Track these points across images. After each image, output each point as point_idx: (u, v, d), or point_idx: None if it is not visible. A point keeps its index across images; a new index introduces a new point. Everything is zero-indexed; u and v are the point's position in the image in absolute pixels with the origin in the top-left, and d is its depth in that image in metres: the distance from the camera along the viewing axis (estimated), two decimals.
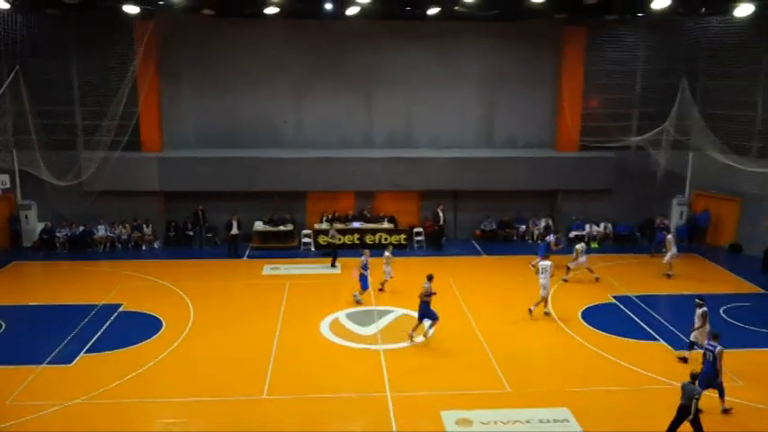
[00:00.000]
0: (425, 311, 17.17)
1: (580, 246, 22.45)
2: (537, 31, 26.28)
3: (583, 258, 22.12)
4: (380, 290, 20.90)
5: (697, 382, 12.60)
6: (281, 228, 26.11)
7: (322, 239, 25.14)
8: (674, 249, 22.45)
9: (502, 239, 26.99)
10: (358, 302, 19.80)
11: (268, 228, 26.10)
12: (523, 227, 27.33)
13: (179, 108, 26.41)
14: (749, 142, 24.70)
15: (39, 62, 24.10)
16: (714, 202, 26.46)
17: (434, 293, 17.25)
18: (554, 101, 27.24)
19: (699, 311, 16.07)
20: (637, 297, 20.59)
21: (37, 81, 24.14)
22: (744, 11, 20.88)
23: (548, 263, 18.92)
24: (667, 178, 25.80)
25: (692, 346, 16.11)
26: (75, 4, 21.67)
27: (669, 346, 17.11)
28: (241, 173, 25.40)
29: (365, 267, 20.06)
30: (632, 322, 18.76)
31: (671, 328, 18.24)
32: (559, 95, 26.90)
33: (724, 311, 19.48)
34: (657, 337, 17.70)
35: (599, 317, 19.01)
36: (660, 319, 18.94)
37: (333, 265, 23.51)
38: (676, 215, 27.06)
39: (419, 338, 17.30)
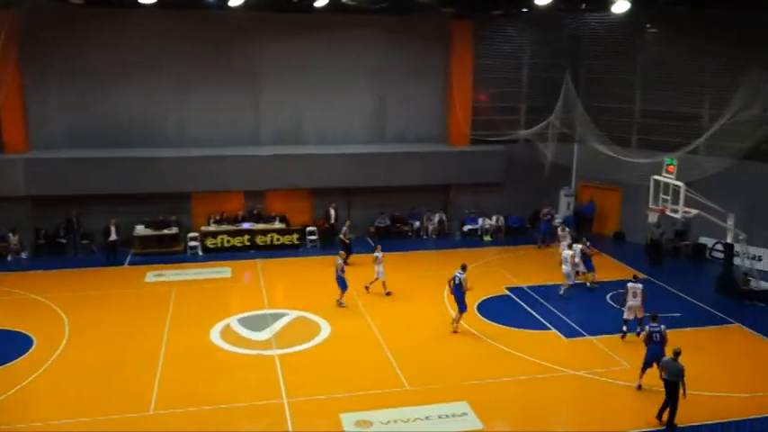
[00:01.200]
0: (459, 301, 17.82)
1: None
2: (426, 25, 26.81)
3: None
4: (366, 288, 20.75)
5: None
6: (165, 231, 25.23)
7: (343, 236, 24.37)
8: (568, 240, 23.51)
9: (396, 236, 27.34)
10: (341, 306, 19.48)
11: (150, 231, 25.14)
12: (417, 222, 27.80)
13: (47, 105, 24.89)
14: (629, 134, 26.40)
15: None
16: (598, 192, 28.06)
17: (470, 287, 17.96)
18: (445, 95, 27.91)
19: (639, 288, 17.49)
20: (529, 288, 21.48)
21: None
22: (620, 7, 22.23)
23: (569, 252, 20.65)
24: (555, 170, 27.05)
25: (626, 323, 17.46)
26: None
27: (560, 334, 17.97)
28: (120, 174, 24.31)
29: (342, 270, 19.75)
30: (525, 313, 19.56)
31: (562, 316, 19.16)
32: (450, 90, 27.60)
33: (610, 298, 20.69)
34: (549, 325, 18.55)
35: (494, 309, 19.69)
36: (551, 308, 19.85)
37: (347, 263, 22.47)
38: (564, 206, 28.48)
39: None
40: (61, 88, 24.95)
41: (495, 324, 18.62)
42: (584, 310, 19.80)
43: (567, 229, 24.29)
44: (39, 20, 23.60)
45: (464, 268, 18.02)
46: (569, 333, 18.04)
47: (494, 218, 27.83)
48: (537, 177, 27.37)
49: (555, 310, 19.63)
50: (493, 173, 27.61)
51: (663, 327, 14.78)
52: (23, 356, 16.31)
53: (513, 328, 18.36)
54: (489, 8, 24.88)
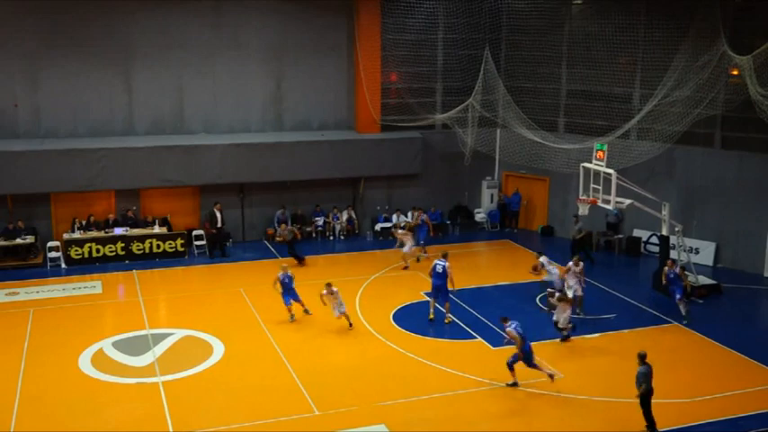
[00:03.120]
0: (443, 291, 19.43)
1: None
2: None
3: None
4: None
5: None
6: (18, 241, 24.13)
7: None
8: (411, 242, 24.10)
9: (301, 239, 27.19)
10: (292, 321, 19.63)
11: (1, 242, 24.00)
12: (322, 221, 27.72)
13: None
14: (556, 117, 27.34)
15: None
16: (525, 182, 28.94)
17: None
18: (351, 75, 28.00)
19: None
20: (450, 292, 21.71)
21: None
22: None
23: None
24: (476, 159, 27.69)
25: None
26: None
27: (487, 343, 18.37)
28: None
29: (285, 281, 19.59)
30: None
31: (487, 322, 19.59)
32: (356, 69, 27.69)
33: (540, 299, 21.32)
34: (474, 334, 18.93)
35: (412, 317, 19.92)
36: (476, 313, 20.27)
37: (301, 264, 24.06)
38: (487, 198, 29.17)
39: None
40: None
41: (413, 334, 18.85)
42: (513, 314, 20.13)
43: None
44: None
45: (445, 256, 19.64)
46: (497, 341, 18.44)
47: (410, 214, 28.10)
48: (456, 167, 27.92)
49: (480, 316, 20.04)
50: (407, 163, 27.95)
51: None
52: None
53: (433, 339, 18.63)
54: None
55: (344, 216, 27.98)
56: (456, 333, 19.01)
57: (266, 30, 26.93)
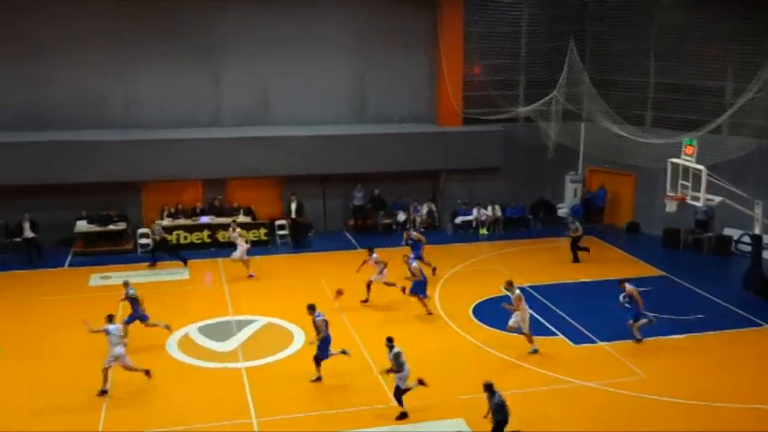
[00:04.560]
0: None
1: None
2: None
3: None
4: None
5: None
6: (111, 227, 25.01)
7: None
8: (244, 247, 22.74)
9: (380, 229, 27.32)
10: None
11: (94, 228, 24.92)
12: (403, 214, 27.77)
13: None
14: (643, 111, 26.57)
15: None
16: (610, 177, 28.27)
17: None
18: (433, 68, 27.89)
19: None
20: (532, 287, 21.54)
21: None
22: None
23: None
24: (559, 153, 27.17)
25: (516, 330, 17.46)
26: None
27: (567, 340, 18.09)
28: (56, 161, 24.05)
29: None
30: (529, 316, 19.60)
31: (569, 319, 19.29)
32: (438, 62, 27.56)
33: (624, 298, 20.80)
34: (555, 330, 18.67)
35: (492, 312, 19.67)
36: (557, 310, 19.97)
37: (185, 265, 23.54)
38: (570, 193, 28.64)
39: None
40: None
41: (494, 329, 18.67)
42: (596, 312, 19.91)
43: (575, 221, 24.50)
44: None
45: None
46: (578, 339, 18.16)
47: (490, 208, 27.90)
48: (539, 161, 27.48)
49: (562, 313, 19.75)
50: (489, 157, 27.68)
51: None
52: None
53: (513, 334, 18.40)
54: None
55: (425, 209, 27.94)
56: (536, 329, 18.71)
57: (349, 23, 27.11)
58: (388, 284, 20.41)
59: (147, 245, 24.83)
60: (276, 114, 27.21)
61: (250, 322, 19.09)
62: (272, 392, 15.52)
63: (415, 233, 23.09)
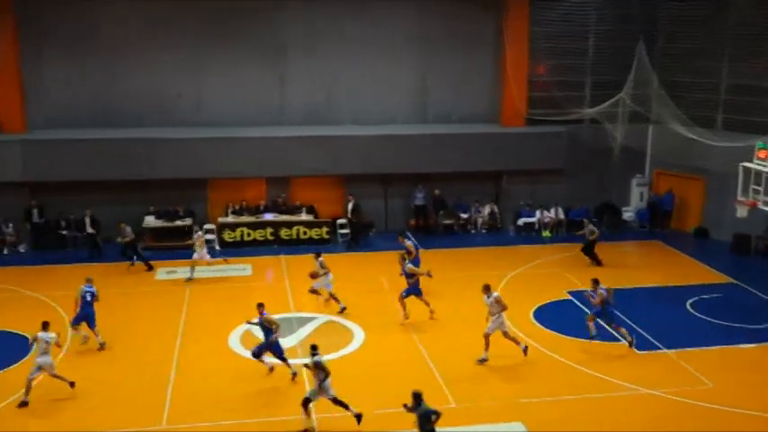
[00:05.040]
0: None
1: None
2: None
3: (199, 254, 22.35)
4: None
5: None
6: (177, 223, 25.51)
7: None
8: (203, 252, 22.52)
9: (443, 230, 27.20)
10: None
11: (161, 223, 25.45)
12: (465, 215, 27.62)
13: (45, 79, 25.36)
14: (714, 113, 25.80)
15: None
16: (677, 181, 27.56)
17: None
18: (497, 68, 27.64)
19: (490, 299, 16.79)
20: (595, 292, 21.10)
21: None
22: None
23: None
24: (625, 155, 26.64)
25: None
26: None
27: (633, 348, 17.68)
28: (127, 158, 24.64)
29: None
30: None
31: (633, 325, 18.84)
32: (502, 62, 27.31)
33: (691, 305, 20.29)
34: (619, 336, 18.25)
35: (554, 316, 19.48)
36: (621, 316, 19.49)
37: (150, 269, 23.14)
38: (636, 197, 28.05)
39: None
40: (62, 59, 25.38)
41: (555, 333, 18.43)
42: (662, 318, 19.42)
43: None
44: None
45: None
46: (643, 345, 17.74)
47: (553, 210, 27.50)
48: (604, 163, 26.99)
49: (626, 319, 19.30)
50: (552, 158, 27.28)
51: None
52: (22, 361, 16.63)
53: (576, 339, 18.12)
54: None
55: (487, 210, 27.71)
56: (600, 334, 18.39)
57: (413, 23, 27.07)
58: (312, 291, 19.96)
59: (212, 241, 25.25)
60: (339, 114, 27.35)
61: (311, 319, 19.23)
62: (333, 389, 15.56)
63: (408, 242, 21.38)
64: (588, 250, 23.73)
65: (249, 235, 25.57)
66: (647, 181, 28.22)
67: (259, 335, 18.04)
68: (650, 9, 26.26)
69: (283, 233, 25.61)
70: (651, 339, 18.06)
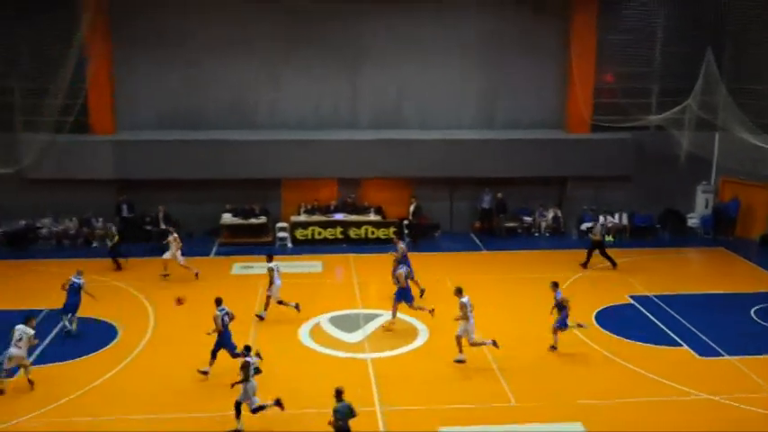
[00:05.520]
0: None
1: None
2: None
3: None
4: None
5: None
6: (253, 220, 26.07)
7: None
8: (177, 252, 22.04)
9: (506, 233, 27.07)
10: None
11: (237, 220, 26.06)
12: (529, 218, 27.43)
13: (135, 85, 26.24)
14: None
15: None
16: (744, 189, 26.75)
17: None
18: (563, 75, 27.37)
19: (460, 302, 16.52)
20: (657, 297, 20.80)
21: None
22: None
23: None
24: (691, 162, 26.03)
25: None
26: None
27: (693, 351, 17.34)
28: (207, 158, 25.31)
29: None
30: (652, 325, 18.96)
31: (695, 331, 18.47)
32: (569, 69, 27.01)
33: (755, 312, 19.72)
34: (680, 341, 17.93)
35: (615, 319, 19.20)
36: (683, 321, 19.15)
37: (118, 268, 23.05)
38: (701, 204, 27.38)
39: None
40: (149, 66, 26.22)
41: (616, 336, 18.17)
42: (724, 325, 18.94)
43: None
44: None
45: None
46: (704, 351, 17.36)
47: (617, 216, 27.06)
48: (670, 170, 26.40)
49: (688, 324, 18.92)
50: (618, 164, 26.84)
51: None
52: (109, 346, 17.36)
53: (636, 343, 17.84)
54: None
55: (550, 214, 27.46)
56: (661, 339, 18.08)
57: (483, 31, 27.00)
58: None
59: (285, 238, 25.72)
60: (409, 118, 27.50)
61: (377, 316, 19.40)
62: (396, 383, 15.72)
63: (401, 245, 21.27)
64: (600, 250, 23.21)
65: (320, 233, 25.95)
66: (713, 188, 27.51)
67: (332, 331, 18.43)
68: (719, 16, 25.53)
69: (352, 232, 25.91)
70: (713, 345, 17.65)
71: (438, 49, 26.94)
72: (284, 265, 23.36)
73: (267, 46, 26.46)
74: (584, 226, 26.95)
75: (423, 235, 26.24)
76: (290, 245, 25.76)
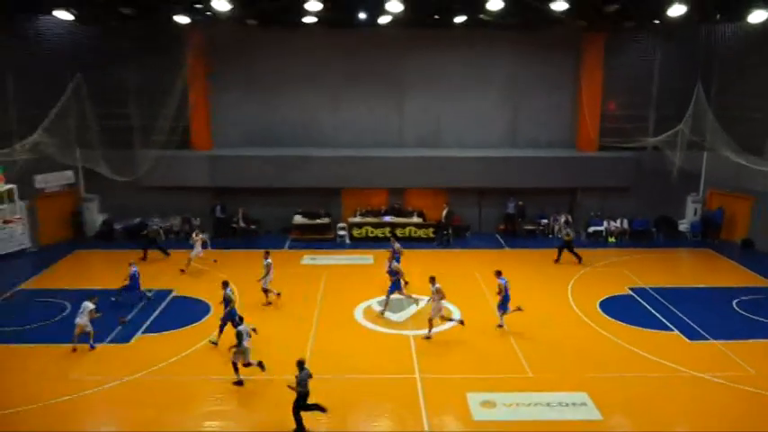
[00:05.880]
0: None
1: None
2: (558, 37, 25.93)
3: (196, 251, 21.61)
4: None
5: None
6: (318, 221, 26.25)
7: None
8: (198, 249, 21.58)
9: (525, 234, 26.67)
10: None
11: (306, 221, 26.27)
12: (545, 221, 27.01)
13: (226, 110, 26.65)
14: (762, 143, 24.03)
15: (100, 69, 24.40)
16: (728, 199, 25.85)
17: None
18: (574, 103, 26.87)
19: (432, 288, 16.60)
20: (652, 289, 20.24)
21: (99, 87, 24.44)
22: (757, 17, 20.34)
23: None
24: (683, 176, 25.27)
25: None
26: (132, 15, 22.08)
27: (683, 335, 16.82)
28: (283, 170, 25.50)
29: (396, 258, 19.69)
30: (648, 313, 18.46)
31: (684, 318, 17.93)
32: (579, 99, 26.51)
33: (736, 304, 19.05)
34: (672, 326, 17.41)
35: (616, 308, 18.75)
36: (674, 310, 18.60)
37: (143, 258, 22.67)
38: (691, 211, 26.59)
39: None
40: (237, 95, 26.58)
41: (617, 321, 17.74)
42: (710, 313, 18.33)
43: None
44: (221, 38, 25.27)
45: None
46: (692, 335, 16.84)
47: (619, 220, 26.44)
48: (664, 183, 25.69)
49: (678, 312, 18.37)
50: (620, 178, 26.21)
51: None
52: (203, 320, 17.69)
53: (635, 327, 17.40)
54: (622, 20, 23.61)
55: (562, 219, 26.94)
56: (655, 324, 17.59)
57: (506, 66, 26.70)
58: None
59: (344, 236, 25.80)
60: (446, 138, 27.32)
61: (419, 300, 19.29)
62: (433, 356, 15.65)
63: (397, 244, 20.64)
64: (569, 248, 22.80)
65: (372, 232, 25.97)
66: (701, 198, 26.66)
67: (378, 310, 18.44)
68: (708, 54, 24.78)
69: (398, 232, 25.83)
70: (701, 331, 17.10)
71: (470, 82, 26.72)
72: (343, 257, 23.66)
73: (330, 78, 26.59)
74: (591, 229, 26.45)
75: (456, 235, 26.01)
76: (348, 241, 25.83)
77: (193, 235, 22.43)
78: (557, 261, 22.85)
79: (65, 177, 25.21)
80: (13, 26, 22.35)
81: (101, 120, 24.57)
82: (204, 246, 22.50)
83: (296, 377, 12.47)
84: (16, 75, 23.09)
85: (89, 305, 15.97)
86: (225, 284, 16.55)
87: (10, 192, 19.16)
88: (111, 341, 16.23)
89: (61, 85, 23.60)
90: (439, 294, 16.60)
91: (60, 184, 25.21)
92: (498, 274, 17.30)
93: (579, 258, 22.73)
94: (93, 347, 15.76)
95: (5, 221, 18.95)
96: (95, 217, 26.01)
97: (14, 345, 16.04)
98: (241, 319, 14.81)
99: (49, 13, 22.09)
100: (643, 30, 24.71)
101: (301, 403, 12.36)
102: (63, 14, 21.75)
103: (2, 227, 19.24)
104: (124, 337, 16.47)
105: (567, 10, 20.85)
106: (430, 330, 16.65)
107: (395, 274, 18.62)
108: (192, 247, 21.94)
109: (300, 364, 12.53)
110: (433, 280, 16.90)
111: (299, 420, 12.33)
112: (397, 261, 19.77)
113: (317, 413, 12.60)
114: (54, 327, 17.05)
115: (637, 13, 22.64)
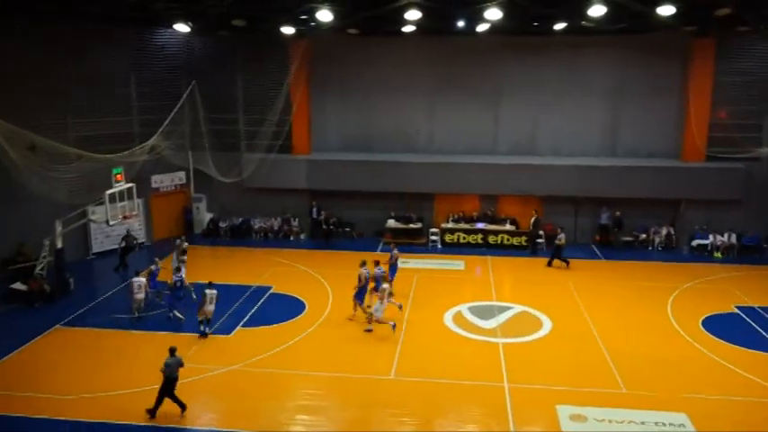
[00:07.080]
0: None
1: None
2: (662, 43, 24.65)
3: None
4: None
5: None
6: (411, 225, 26.36)
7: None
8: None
9: (623, 246, 25.53)
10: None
11: (399, 225, 26.45)
12: (643, 234, 25.73)
13: (325, 116, 27.32)
14: None
15: (211, 77, 25.87)
16: None
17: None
18: (680, 111, 25.44)
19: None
20: (762, 309, 18.80)
21: (209, 93, 25.89)
22: None
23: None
24: None
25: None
26: (242, 27, 23.19)
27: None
28: (377, 175, 25.82)
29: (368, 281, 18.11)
30: (756, 333, 17.16)
31: None
32: (686, 106, 25.08)
33: None
34: None
35: (721, 326, 17.58)
36: None
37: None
38: None
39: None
40: (336, 102, 27.16)
41: (721, 341, 16.62)
42: None
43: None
44: (324, 48, 25.95)
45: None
46: None
47: (726, 235, 24.75)
48: None
49: None
50: (728, 190, 24.53)
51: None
52: (298, 317, 18.18)
53: (741, 348, 16.22)
54: (734, 24, 22.12)
55: (664, 231, 25.58)
56: (765, 346, 16.30)
57: (607, 73, 25.67)
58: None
59: (436, 241, 25.75)
60: (541, 146, 26.63)
61: (508, 308, 18.97)
62: (522, 364, 15.31)
63: (395, 251, 20.30)
64: (559, 255, 22.53)
65: (464, 238, 25.75)
66: None
67: (470, 318, 18.20)
68: None
69: (490, 239, 25.49)
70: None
71: (568, 89, 25.88)
72: (434, 262, 23.62)
73: (425, 86, 26.64)
74: (695, 242, 24.93)
75: (549, 243, 25.22)
76: (439, 246, 25.76)
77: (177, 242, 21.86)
78: (549, 264, 22.87)
79: (177, 178, 26.82)
80: (139, 39, 24.18)
81: (210, 124, 25.93)
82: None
83: (164, 361, 13.07)
84: (138, 83, 24.83)
85: (141, 280, 18.04)
86: (362, 263, 17.73)
87: (129, 190, 20.65)
88: (215, 332, 17.02)
89: (176, 93, 25.14)
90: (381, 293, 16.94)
91: (173, 184, 26.85)
92: (363, 263, 17.81)
93: (566, 262, 22.71)
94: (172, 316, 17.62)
95: (124, 217, 20.44)
96: (203, 215, 27.44)
97: (130, 330, 17.25)
98: (210, 284, 17.06)
99: (170, 26, 23.65)
100: (757, 33, 23.05)
101: (167, 387, 12.98)
102: (181, 27, 23.22)
103: (121, 222, 20.78)
104: (227, 329, 17.24)
105: (674, 15, 19.81)
106: (369, 323, 17.09)
107: (377, 281, 18.34)
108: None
109: (171, 351, 13.22)
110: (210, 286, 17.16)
111: (158, 402, 12.88)
112: (394, 269, 19.84)
113: (176, 406, 13.00)
114: (162, 316, 18.10)
115: (750, 16, 21.15)
